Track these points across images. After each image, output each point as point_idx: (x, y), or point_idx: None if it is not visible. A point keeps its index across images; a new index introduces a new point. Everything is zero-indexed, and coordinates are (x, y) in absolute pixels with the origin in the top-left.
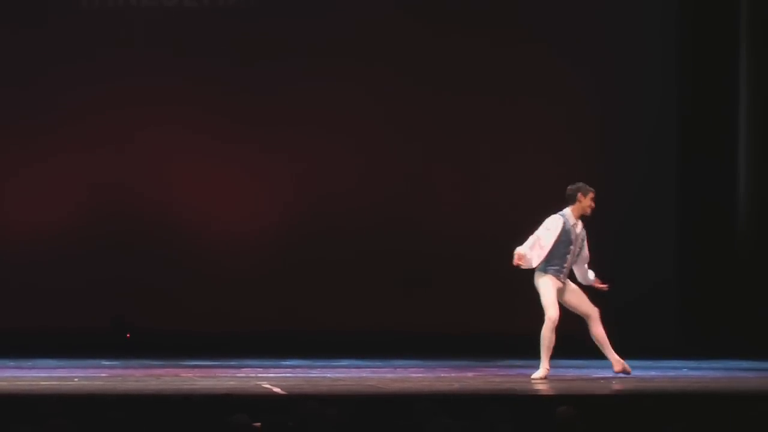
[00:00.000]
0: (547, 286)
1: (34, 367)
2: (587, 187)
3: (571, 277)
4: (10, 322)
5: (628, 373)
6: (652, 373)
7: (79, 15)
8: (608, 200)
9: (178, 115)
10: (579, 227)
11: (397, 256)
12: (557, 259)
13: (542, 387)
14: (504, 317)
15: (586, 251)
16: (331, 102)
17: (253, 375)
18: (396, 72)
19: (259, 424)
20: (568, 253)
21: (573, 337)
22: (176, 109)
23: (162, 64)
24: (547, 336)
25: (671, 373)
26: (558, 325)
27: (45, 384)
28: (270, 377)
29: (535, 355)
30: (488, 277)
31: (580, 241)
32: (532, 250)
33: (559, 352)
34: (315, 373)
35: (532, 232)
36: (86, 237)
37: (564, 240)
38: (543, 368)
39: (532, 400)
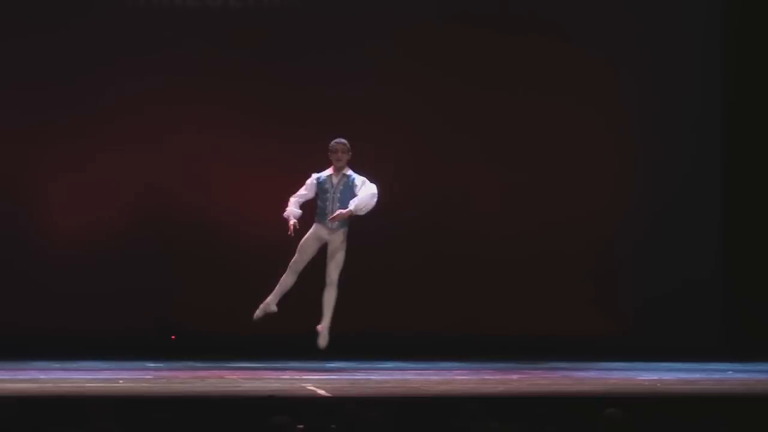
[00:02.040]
0: None
1: (79, 369)
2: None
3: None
4: (56, 324)
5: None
6: (697, 375)
7: (122, 13)
8: (650, 197)
9: (217, 116)
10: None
11: (439, 258)
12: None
13: (588, 389)
14: (547, 319)
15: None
16: (369, 103)
17: (298, 377)
18: (432, 74)
19: (302, 426)
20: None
21: (618, 339)
22: (218, 109)
23: (204, 64)
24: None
25: (716, 376)
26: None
27: (90, 386)
28: (314, 379)
29: (580, 357)
30: (530, 278)
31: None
32: None
33: (601, 354)
34: (359, 375)
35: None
36: (131, 238)
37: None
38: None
39: (577, 402)
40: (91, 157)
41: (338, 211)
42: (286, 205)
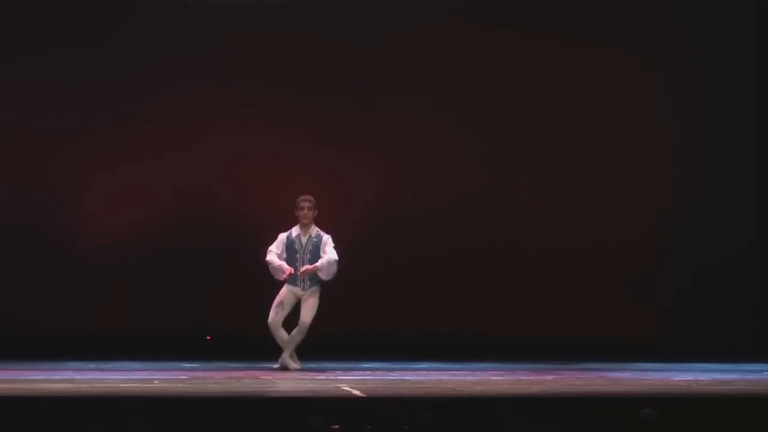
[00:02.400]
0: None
1: (114, 369)
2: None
3: None
4: (91, 325)
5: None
6: (732, 376)
7: (159, 16)
8: (685, 199)
9: (259, 118)
10: (304, 239)
11: (475, 259)
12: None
13: (623, 390)
14: (582, 319)
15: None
16: (411, 106)
17: (333, 377)
18: (475, 77)
19: (337, 426)
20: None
21: (653, 339)
22: (257, 111)
23: (242, 67)
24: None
25: (751, 376)
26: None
27: (125, 386)
28: (349, 380)
29: (615, 358)
30: (564, 279)
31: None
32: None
33: (636, 355)
34: (394, 376)
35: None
36: (168, 239)
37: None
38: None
39: (612, 403)
40: (129, 157)
41: (305, 267)
42: (266, 259)
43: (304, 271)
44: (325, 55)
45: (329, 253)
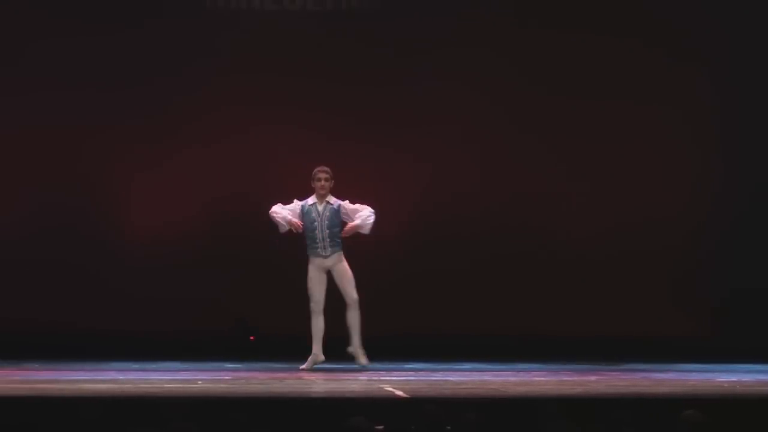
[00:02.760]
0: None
1: (158, 370)
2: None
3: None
4: (134, 325)
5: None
6: None
7: (201, 15)
8: (729, 199)
9: (297, 118)
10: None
11: (518, 259)
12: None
13: (667, 390)
14: (626, 320)
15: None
16: (453, 104)
17: (376, 378)
18: (518, 76)
19: (381, 426)
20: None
21: (697, 340)
22: (295, 111)
23: (282, 66)
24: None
25: None
26: None
27: (169, 386)
28: (392, 380)
29: (659, 358)
30: (608, 279)
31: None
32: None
33: (679, 356)
34: (437, 377)
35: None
36: (210, 239)
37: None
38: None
39: (656, 404)
40: (168, 157)
41: (350, 225)
42: (269, 214)
43: (348, 229)
44: (366, 56)
45: (363, 209)
